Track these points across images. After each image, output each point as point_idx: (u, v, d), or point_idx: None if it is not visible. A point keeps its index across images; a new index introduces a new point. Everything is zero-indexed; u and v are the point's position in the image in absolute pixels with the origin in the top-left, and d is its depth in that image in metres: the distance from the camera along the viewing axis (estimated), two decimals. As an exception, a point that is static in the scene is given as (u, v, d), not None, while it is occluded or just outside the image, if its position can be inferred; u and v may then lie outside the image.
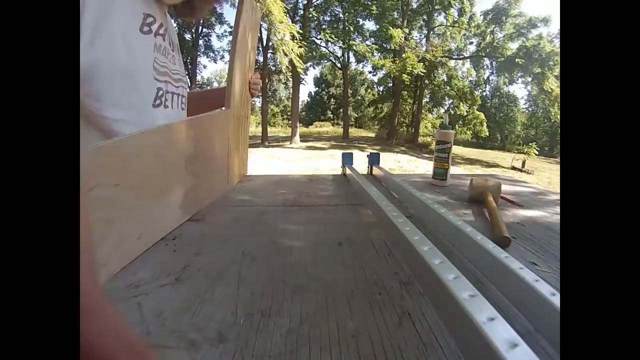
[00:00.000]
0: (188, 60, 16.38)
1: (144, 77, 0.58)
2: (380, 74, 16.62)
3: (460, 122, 15.20)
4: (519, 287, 0.31)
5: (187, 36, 16.21)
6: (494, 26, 16.22)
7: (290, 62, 9.96)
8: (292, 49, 9.56)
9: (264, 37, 13.71)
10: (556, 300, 0.25)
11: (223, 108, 0.78)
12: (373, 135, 20.15)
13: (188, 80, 0.83)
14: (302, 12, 13.67)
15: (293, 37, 9.64)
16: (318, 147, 11.75)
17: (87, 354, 0.15)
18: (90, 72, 0.49)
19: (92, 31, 0.48)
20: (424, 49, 15.23)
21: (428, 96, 17.50)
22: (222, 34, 14.67)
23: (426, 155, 11.12)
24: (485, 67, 19.23)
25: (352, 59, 15.80)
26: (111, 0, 0.51)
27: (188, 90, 0.87)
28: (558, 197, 0.84)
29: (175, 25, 0.77)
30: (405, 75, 12.87)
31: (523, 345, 0.19)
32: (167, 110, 0.65)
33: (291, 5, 13.20)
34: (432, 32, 16.66)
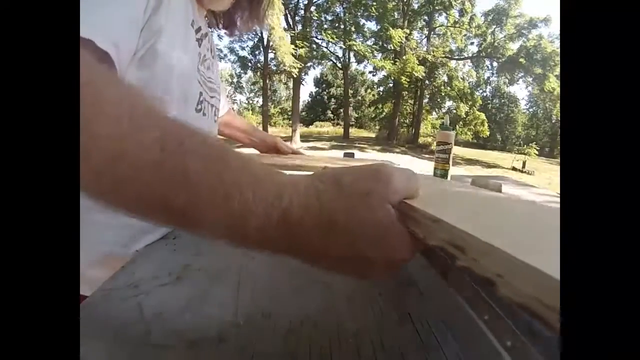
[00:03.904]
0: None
1: (190, 77, 0.53)
2: (381, 74, 16.64)
3: (461, 122, 15.20)
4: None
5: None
6: (494, 26, 16.22)
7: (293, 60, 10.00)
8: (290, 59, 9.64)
9: (265, 37, 13.72)
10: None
11: None
12: (373, 135, 20.15)
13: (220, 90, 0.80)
14: (302, 12, 13.67)
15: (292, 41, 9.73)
16: (319, 148, 11.75)
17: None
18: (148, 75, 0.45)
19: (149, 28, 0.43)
20: (424, 49, 15.23)
21: (428, 97, 17.49)
22: (224, 33, 14.65)
23: (426, 156, 11.12)
24: (486, 67, 19.25)
25: (353, 59, 15.81)
26: None
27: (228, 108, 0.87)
28: (558, 198, 0.84)
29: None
30: (404, 78, 12.87)
31: (523, 345, 0.19)
32: (204, 118, 0.59)
33: (292, 5, 13.21)
34: (432, 33, 16.66)
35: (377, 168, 0.23)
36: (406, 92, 16.85)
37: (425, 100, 17.45)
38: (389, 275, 0.23)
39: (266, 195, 0.21)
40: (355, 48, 13.60)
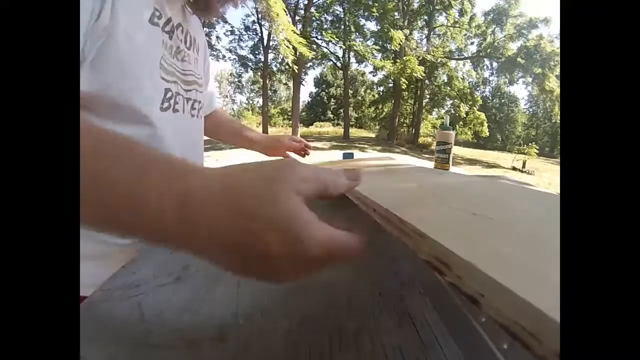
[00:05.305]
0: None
1: (149, 74, 0.51)
2: (381, 74, 16.65)
3: (461, 122, 15.20)
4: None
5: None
6: (494, 26, 16.22)
7: (295, 54, 9.96)
8: (296, 41, 9.61)
9: (265, 36, 13.72)
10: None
11: None
12: (373, 135, 20.13)
13: (207, 83, 0.79)
14: (302, 12, 13.67)
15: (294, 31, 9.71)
16: (319, 148, 11.73)
17: None
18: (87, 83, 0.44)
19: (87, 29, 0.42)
20: (424, 49, 15.22)
21: (428, 97, 17.49)
22: (224, 33, 14.70)
23: (426, 156, 11.11)
24: (485, 67, 19.25)
25: (353, 59, 15.81)
26: None
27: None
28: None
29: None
30: (403, 79, 12.87)
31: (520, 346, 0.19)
32: (176, 115, 0.57)
33: (292, 5, 13.21)
34: (432, 33, 16.66)
35: (285, 160, 0.24)
36: (406, 92, 16.84)
37: (425, 100, 17.46)
38: (298, 277, 0.22)
39: (166, 179, 0.21)
40: (355, 48, 13.60)
